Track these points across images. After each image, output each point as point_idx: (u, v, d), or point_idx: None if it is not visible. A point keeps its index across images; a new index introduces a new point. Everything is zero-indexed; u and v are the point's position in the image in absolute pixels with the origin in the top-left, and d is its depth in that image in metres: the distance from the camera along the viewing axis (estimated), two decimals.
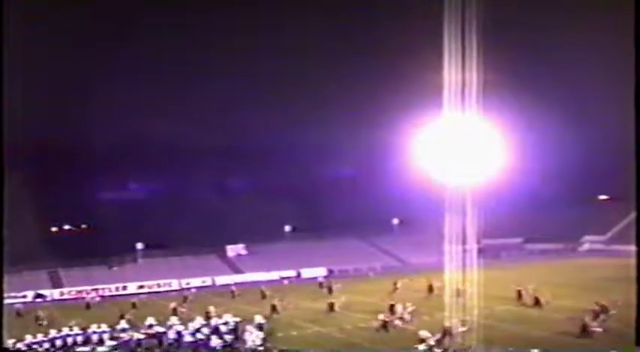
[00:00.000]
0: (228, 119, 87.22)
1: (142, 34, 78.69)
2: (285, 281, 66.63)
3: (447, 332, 36.65)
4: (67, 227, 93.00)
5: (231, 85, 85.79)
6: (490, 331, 38.37)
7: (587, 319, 39.54)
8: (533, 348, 32.49)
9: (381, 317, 42.72)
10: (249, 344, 37.78)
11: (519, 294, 51.42)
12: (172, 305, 52.43)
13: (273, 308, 51.15)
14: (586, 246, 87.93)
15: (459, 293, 50.48)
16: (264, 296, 58.44)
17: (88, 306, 60.18)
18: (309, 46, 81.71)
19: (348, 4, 79.40)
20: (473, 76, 41.29)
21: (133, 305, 56.19)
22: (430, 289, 55.26)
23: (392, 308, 47.14)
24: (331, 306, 50.48)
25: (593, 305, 42.30)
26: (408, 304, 45.89)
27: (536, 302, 48.66)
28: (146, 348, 39.86)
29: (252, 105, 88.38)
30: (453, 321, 38.32)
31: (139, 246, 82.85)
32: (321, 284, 63.67)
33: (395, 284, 58.93)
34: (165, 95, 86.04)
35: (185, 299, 57.85)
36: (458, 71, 41.32)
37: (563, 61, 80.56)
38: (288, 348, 38.22)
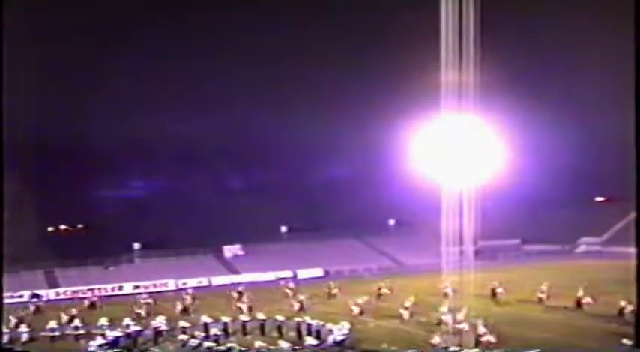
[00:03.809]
0: (225, 119, 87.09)
1: (142, 33, 78.66)
2: (282, 282, 66.58)
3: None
4: (63, 227, 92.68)
5: (228, 84, 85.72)
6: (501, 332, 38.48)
7: None
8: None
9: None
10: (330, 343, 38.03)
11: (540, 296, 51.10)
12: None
13: (300, 305, 51.33)
14: (583, 248, 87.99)
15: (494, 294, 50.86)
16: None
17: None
18: (308, 46, 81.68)
19: (347, 4, 79.35)
20: (470, 77, 41.28)
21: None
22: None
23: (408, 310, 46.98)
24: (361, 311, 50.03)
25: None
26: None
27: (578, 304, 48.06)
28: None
29: (250, 106, 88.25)
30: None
31: (136, 246, 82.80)
32: (293, 292, 59.97)
33: (379, 289, 58.42)
34: (163, 95, 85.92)
35: (240, 295, 58.16)
36: (455, 72, 41.32)
37: (561, 62, 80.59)
38: (369, 347, 38.39)
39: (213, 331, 42.31)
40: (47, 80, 76.11)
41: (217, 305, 55.44)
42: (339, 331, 38.94)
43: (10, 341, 43.63)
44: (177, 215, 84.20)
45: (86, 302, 60.40)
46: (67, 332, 45.87)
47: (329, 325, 40.58)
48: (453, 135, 52.08)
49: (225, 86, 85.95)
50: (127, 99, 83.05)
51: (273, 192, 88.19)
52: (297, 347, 37.50)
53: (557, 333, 39.93)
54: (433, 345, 36.60)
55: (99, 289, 69.24)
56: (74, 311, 52.06)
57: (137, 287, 70.25)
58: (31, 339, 44.95)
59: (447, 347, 35.82)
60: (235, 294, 58.55)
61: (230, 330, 43.71)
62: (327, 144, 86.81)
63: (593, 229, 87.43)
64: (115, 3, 76.68)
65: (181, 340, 40.68)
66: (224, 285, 70.13)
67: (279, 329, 42.89)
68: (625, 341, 32.20)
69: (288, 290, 60.53)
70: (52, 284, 72.62)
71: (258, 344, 38.07)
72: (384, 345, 37.41)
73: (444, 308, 44.46)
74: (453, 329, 39.76)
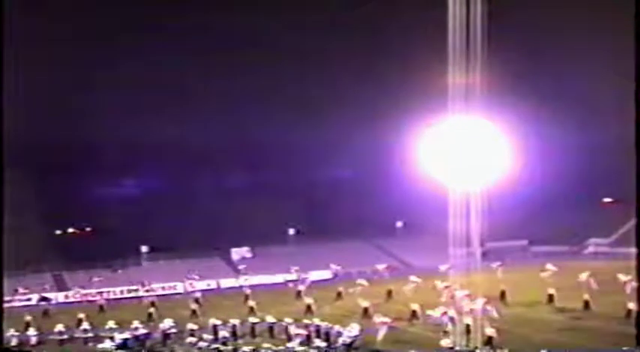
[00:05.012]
0: (233, 121, 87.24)
1: (143, 34, 78.84)
2: (290, 284, 66.57)
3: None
4: (71, 230, 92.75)
5: (233, 84, 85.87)
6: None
7: None
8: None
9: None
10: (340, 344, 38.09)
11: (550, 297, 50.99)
12: None
13: (308, 308, 51.24)
14: (591, 249, 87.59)
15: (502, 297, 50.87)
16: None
17: None
18: (313, 47, 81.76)
19: (350, 5, 79.45)
20: (477, 79, 41.34)
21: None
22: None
23: (414, 314, 46.97)
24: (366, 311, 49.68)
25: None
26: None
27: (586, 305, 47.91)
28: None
29: (257, 107, 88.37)
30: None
31: (143, 248, 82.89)
32: (299, 293, 60.45)
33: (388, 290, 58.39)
34: (168, 95, 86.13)
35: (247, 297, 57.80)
36: (463, 74, 41.37)
37: (569, 64, 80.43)
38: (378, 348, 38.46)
39: (222, 333, 42.37)
40: (52, 82, 76.51)
41: (226, 307, 55.59)
42: (348, 332, 38.96)
43: (19, 343, 43.81)
44: (184, 218, 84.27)
45: (97, 303, 60.74)
46: (76, 334, 46.07)
47: (337, 327, 40.61)
48: (461, 136, 52.22)
49: (230, 86, 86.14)
50: (133, 101, 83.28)
51: (281, 195, 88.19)
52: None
53: (565, 335, 39.87)
54: (441, 346, 36.60)
55: (107, 292, 69.30)
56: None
57: (146, 290, 70.36)
58: (40, 342, 45.14)
59: (452, 348, 35.84)
60: (244, 296, 58.55)
61: (239, 333, 43.78)
62: (334, 146, 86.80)
63: (601, 230, 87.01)
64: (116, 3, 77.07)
65: (190, 342, 40.77)
66: (232, 288, 70.35)
67: (286, 330, 42.92)
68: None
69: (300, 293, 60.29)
70: (61, 287, 72.81)
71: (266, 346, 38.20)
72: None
73: (450, 310, 44.39)
74: (460, 330, 39.77)
